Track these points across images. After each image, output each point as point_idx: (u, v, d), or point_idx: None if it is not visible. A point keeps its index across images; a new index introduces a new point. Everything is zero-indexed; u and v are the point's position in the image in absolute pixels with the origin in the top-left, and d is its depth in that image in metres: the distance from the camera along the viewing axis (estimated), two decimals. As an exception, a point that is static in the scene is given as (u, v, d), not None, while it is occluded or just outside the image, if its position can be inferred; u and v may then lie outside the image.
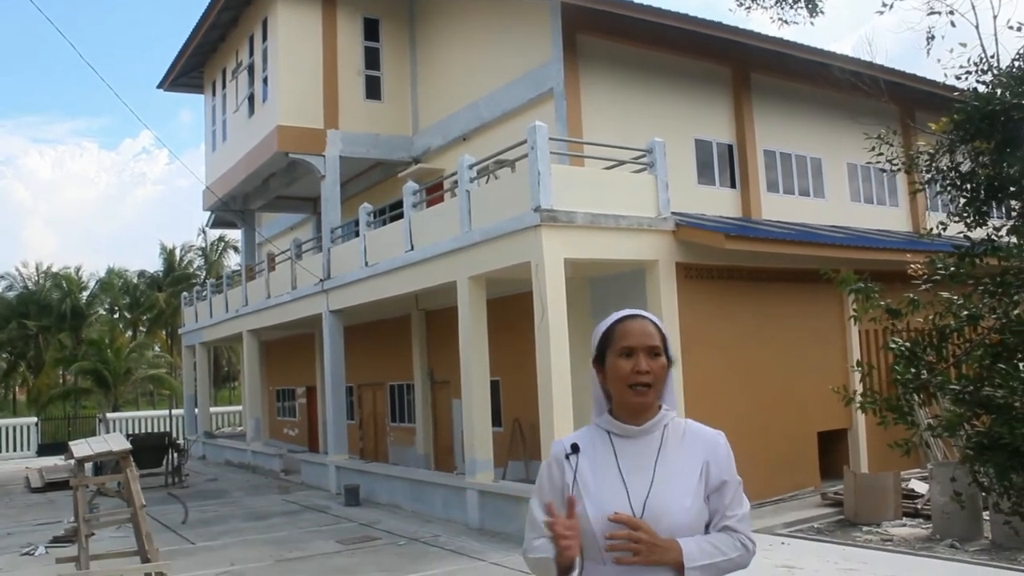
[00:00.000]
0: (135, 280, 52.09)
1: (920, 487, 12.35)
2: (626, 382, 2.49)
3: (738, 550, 2.46)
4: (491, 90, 16.80)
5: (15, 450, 31.14)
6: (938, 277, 4.74)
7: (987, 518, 10.18)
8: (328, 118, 19.08)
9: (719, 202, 16.24)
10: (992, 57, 4.45)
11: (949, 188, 4.68)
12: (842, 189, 18.59)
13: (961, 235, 4.72)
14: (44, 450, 29.82)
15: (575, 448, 2.56)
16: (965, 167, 4.59)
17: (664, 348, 2.55)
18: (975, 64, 4.58)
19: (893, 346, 4.52)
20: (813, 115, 17.85)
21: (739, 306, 13.53)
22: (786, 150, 17.62)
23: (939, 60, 4.56)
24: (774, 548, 10.07)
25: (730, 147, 16.78)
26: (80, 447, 9.57)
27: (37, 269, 51.23)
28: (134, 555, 9.58)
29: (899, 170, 4.91)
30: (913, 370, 4.43)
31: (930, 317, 4.69)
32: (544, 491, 2.59)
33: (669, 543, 2.37)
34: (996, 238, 4.63)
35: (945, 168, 4.62)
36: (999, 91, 4.33)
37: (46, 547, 12.48)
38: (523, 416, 14.71)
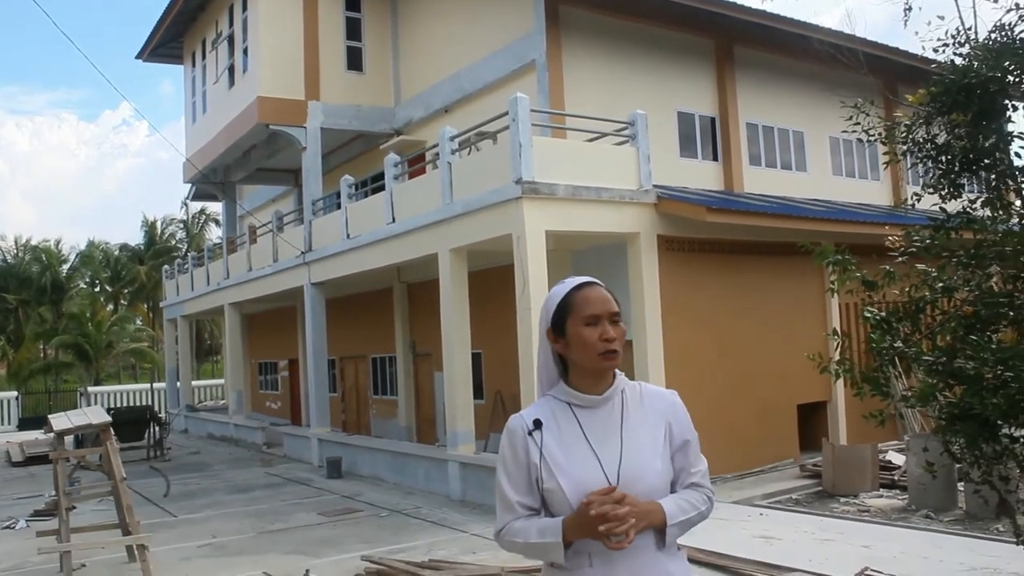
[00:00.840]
0: (116, 253, 51.73)
1: (897, 459, 12.49)
2: (596, 350, 2.46)
3: (705, 503, 2.54)
4: (473, 61, 16.70)
5: (-4, 424, 31.06)
6: (914, 249, 4.76)
7: (961, 489, 10.32)
8: (309, 89, 18.92)
9: (701, 175, 16.24)
10: (969, 29, 4.46)
11: (925, 160, 4.70)
12: (824, 163, 18.63)
13: (937, 207, 4.74)
14: (25, 424, 29.74)
15: (537, 424, 2.49)
16: (941, 139, 4.61)
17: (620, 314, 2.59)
18: (952, 37, 4.59)
19: (868, 315, 4.55)
20: (796, 88, 17.84)
21: (720, 279, 13.58)
22: (769, 123, 17.62)
23: (916, 32, 4.60)
24: (752, 519, 10.18)
25: (713, 120, 16.76)
26: (59, 420, 9.53)
27: (16, 242, 50.78)
28: (115, 528, 9.58)
29: (875, 140, 4.92)
30: (888, 339, 4.47)
31: (906, 289, 4.72)
32: (510, 469, 2.52)
33: (652, 506, 2.40)
34: (971, 211, 4.66)
35: (921, 140, 4.64)
36: (976, 64, 4.34)
37: (27, 520, 12.47)
38: (505, 388, 14.75)
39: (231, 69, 20.94)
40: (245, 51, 19.82)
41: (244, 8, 19.78)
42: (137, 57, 25.30)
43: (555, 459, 2.45)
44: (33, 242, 50.43)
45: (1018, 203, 4.78)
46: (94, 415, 9.74)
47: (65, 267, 49.62)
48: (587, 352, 2.48)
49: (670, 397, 2.61)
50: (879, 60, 16.75)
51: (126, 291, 51.09)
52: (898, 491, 11.56)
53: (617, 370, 2.57)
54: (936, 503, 10.32)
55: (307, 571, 8.57)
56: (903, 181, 19.34)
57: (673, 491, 2.51)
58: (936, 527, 9.59)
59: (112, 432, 9.45)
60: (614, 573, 2.38)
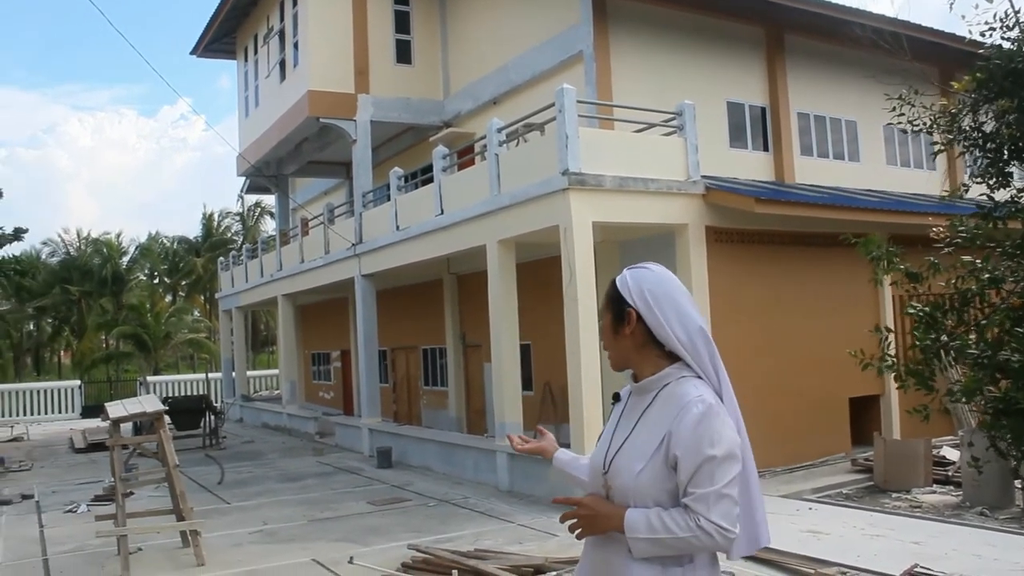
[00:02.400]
0: (174, 245, 52.73)
1: (952, 454, 12.26)
2: None
3: (690, 530, 2.29)
4: (521, 53, 16.69)
5: (60, 412, 31.91)
6: (959, 240, 4.66)
7: (1019, 486, 10.10)
8: (359, 83, 19.07)
9: (751, 166, 16.06)
10: (1018, 13, 4.34)
11: (971, 148, 4.59)
12: (878, 152, 18.29)
13: (985, 196, 4.64)
14: (87, 412, 30.51)
15: (615, 397, 2.71)
16: (988, 127, 4.50)
17: (614, 306, 2.57)
18: (1000, 20, 4.47)
19: (912, 310, 4.47)
20: (849, 77, 17.50)
21: (770, 270, 13.42)
22: (821, 113, 17.34)
23: (963, 16, 4.45)
24: (801, 513, 10.07)
25: (763, 110, 16.55)
26: (115, 408, 9.76)
27: (78, 235, 52.13)
28: (170, 513, 9.80)
29: (920, 131, 4.82)
30: (932, 334, 4.38)
31: (951, 281, 4.62)
32: None
33: (614, 512, 2.41)
34: (1019, 200, 4.54)
35: (967, 128, 4.53)
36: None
37: (87, 505, 12.80)
38: (554, 380, 14.76)
39: (282, 63, 21.19)
40: (295, 45, 20.04)
41: (294, 3, 19.99)
42: (191, 53, 25.70)
43: (603, 432, 2.68)
44: (94, 235, 51.73)
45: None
46: (148, 404, 9.96)
47: (125, 259, 50.77)
48: None
49: (684, 406, 2.39)
50: (935, 47, 16.42)
51: (184, 283, 52.10)
52: (952, 487, 11.35)
53: (679, 364, 2.50)
54: (991, 500, 10.11)
55: (351, 558, 8.69)
56: (961, 171, 18.89)
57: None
58: (991, 525, 9.38)
59: (166, 420, 9.67)
60: (594, 559, 2.55)
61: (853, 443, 14.09)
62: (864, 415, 14.58)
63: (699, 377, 2.49)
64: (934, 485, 11.51)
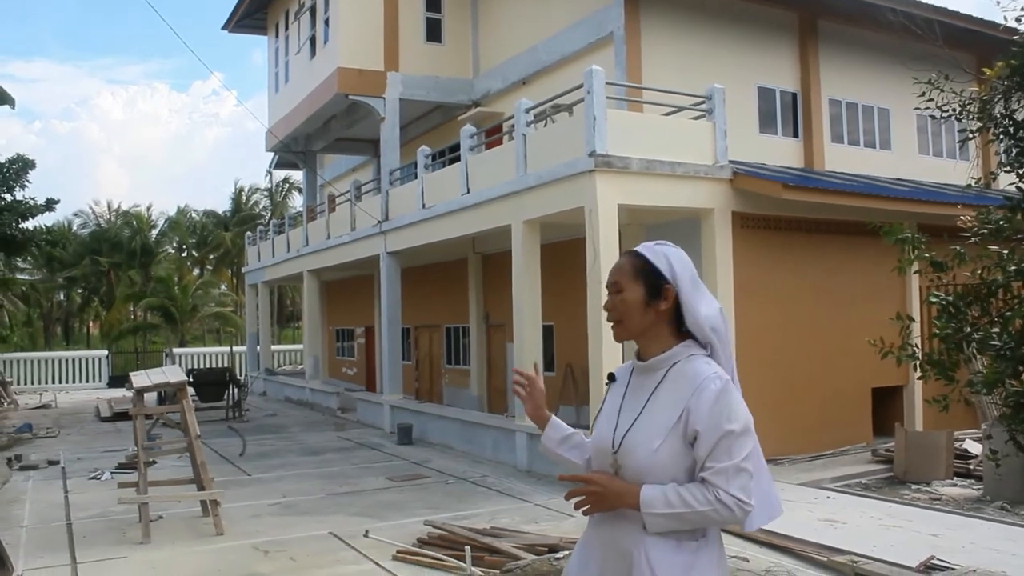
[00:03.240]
0: (203, 219, 53.10)
1: (974, 447, 12.15)
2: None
3: (709, 504, 2.32)
4: (551, 34, 16.62)
5: (87, 381, 32.39)
6: (986, 231, 4.60)
7: (1041, 480, 9.98)
8: (388, 60, 19.07)
9: (781, 152, 15.91)
10: (1054, 0, 4.27)
11: (1002, 136, 4.52)
12: (910, 141, 18.06)
13: (1014, 187, 4.57)
14: (114, 382, 30.94)
15: (611, 377, 2.71)
16: (1020, 115, 4.43)
17: (646, 279, 2.53)
18: (1035, 5, 4.40)
19: (934, 300, 4.42)
20: (882, 64, 17.27)
21: (796, 258, 13.33)
22: (853, 100, 17.15)
23: (998, 2, 4.37)
24: (819, 502, 10.03)
25: (794, 96, 16.38)
26: (139, 378, 9.88)
27: (109, 207, 52.60)
28: (191, 483, 9.91)
29: (949, 116, 4.75)
30: (954, 324, 4.34)
31: (977, 271, 4.57)
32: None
33: (627, 489, 2.40)
34: (1049, 192, 4.48)
35: (998, 116, 4.46)
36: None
37: (111, 472, 12.99)
38: (575, 361, 14.76)
39: (312, 40, 21.22)
40: (326, 22, 20.05)
41: (327, -21, 19.99)
42: (223, 28, 25.78)
43: (602, 412, 2.65)
44: (125, 207, 52.17)
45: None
46: (172, 374, 10.07)
47: (154, 232, 51.21)
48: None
49: (700, 382, 2.41)
50: (970, 34, 16.16)
51: (211, 256, 52.50)
52: (973, 481, 11.25)
53: (691, 342, 2.53)
54: (1013, 494, 10.01)
55: (367, 531, 8.76)
56: (992, 160, 18.62)
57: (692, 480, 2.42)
58: (1011, 519, 9.30)
59: (189, 391, 9.77)
60: (603, 537, 2.53)
61: (874, 433, 14.01)
62: (886, 406, 14.47)
63: (708, 356, 2.52)
64: (955, 478, 11.41)
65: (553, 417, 2.84)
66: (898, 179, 16.75)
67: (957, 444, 12.08)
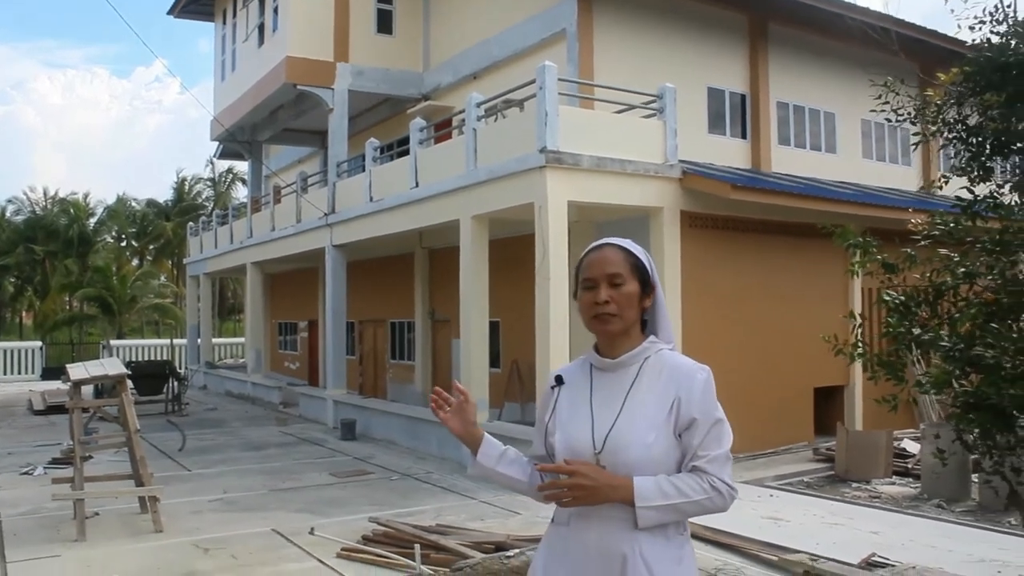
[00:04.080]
0: (143, 208, 52.08)
1: (912, 447, 12.40)
2: (588, 314, 2.49)
3: (705, 492, 2.33)
4: (503, 28, 16.55)
5: (20, 373, 31.51)
6: (937, 233, 4.65)
7: (975, 480, 10.22)
8: (338, 51, 18.84)
9: (729, 153, 16.06)
10: (1008, 7, 4.32)
11: (955, 141, 4.58)
12: (855, 145, 18.37)
13: (964, 190, 4.63)
14: (48, 374, 30.13)
15: (559, 380, 2.58)
16: (973, 120, 4.49)
17: (640, 275, 2.49)
18: (990, 14, 4.46)
19: (887, 299, 4.46)
20: (829, 68, 17.55)
21: (742, 257, 13.45)
22: (800, 103, 17.37)
23: (952, 10, 4.43)
24: (762, 500, 10.13)
25: (743, 97, 16.55)
26: (76, 370, 9.59)
27: (45, 194, 51.35)
28: (129, 478, 9.67)
29: (904, 120, 4.80)
30: (906, 323, 4.38)
31: (926, 274, 4.62)
32: (537, 420, 2.67)
33: (619, 481, 2.31)
34: (998, 196, 4.54)
35: (952, 120, 4.52)
36: (1014, 42, 4.21)
37: (44, 468, 12.62)
38: (521, 358, 14.74)
39: (261, 28, 20.88)
40: (275, 10, 19.74)
41: (276, -34, 19.68)
42: (169, 12, 25.26)
43: (561, 416, 2.52)
44: (62, 194, 50.92)
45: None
46: (111, 366, 9.79)
47: (92, 220, 50.06)
48: (583, 316, 2.52)
49: (690, 371, 2.44)
50: (917, 43, 16.45)
51: (152, 247, 51.52)
52: (911, 479, 11.48)
53: (654, 337, 2.52)
54: (949, 493, 10.24)
55: (312, 529, 8.62)
56: (937, 166, 19.05)
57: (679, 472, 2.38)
58: (947, 517, 9.51)
59: (128, 384, 9.52)
60: (583, 537, 2.41)
61: (816, 433, 14.22)
62: (828, 405, 14.70)
63: (672, 349, 2.53)
64: (894, 476, 11.64)
65: (486, 434, 2.67)
66: (843, 182, 17.01)
67: (896, 444, 12.32)
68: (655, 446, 2.36)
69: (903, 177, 18.96)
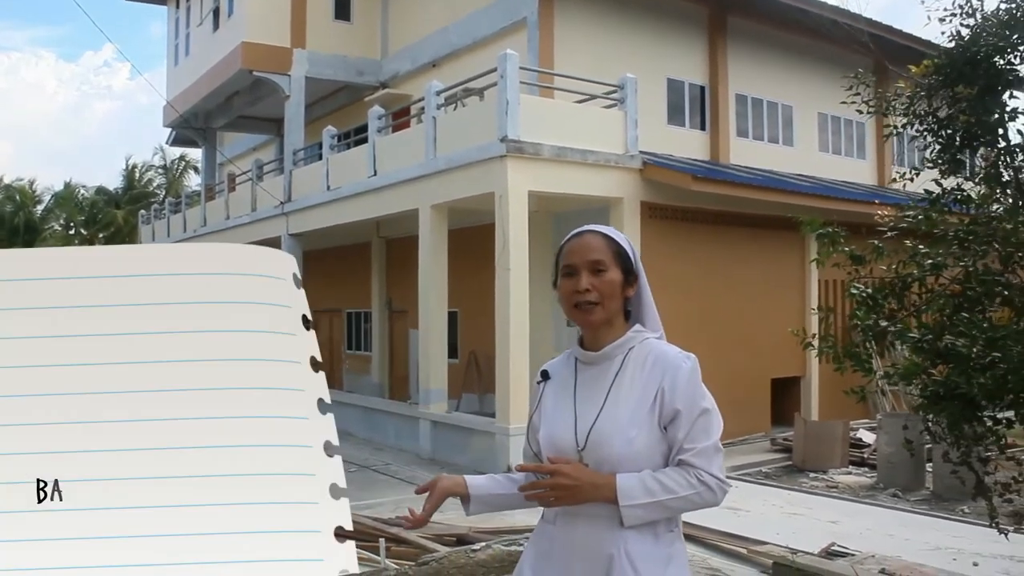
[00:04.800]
0: (92, 196, 51.06)
1: (868, 437, 12.54)
2: (568, 303, 2.37)
3: (692, 487, 2.21)
4: (463, 16, 16.42)
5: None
6: (904, 225, 4.67)
7: (930, 469, 10.38)
8: (295, 37, 18.58)
9: (688, 144, 16.09)
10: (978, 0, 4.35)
11: (925, 133, 4.59)
12: (811, 138, 18.53)
13: (933, 181, 4.64)
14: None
15: (544, 375, 2.49)
16: (943, 113, 4.51)
17: (622, 263, 2.38)
18: (960, 7, 4.47)
19: (855, 291, 4.46)
20: (788, 62, 17.66)
21: (702, 249, 13.50)
22: (758, 95, 17.47)
23: (923, 1, 4.43)
24: (721, 490, 10.17)
25: (702, 89, 16.59)
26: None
27: (-11, 180, 50.02)
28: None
29: (875, 113, 4.81)
30: (874, 316, 4.38)
31: (893, 266, 4.63)
32: (528, 419, 2.57)
33: (602, 480, 2.21)
34: (965, 190, 4.57)
35: (922, 113, 4.53)
36: (984, 36, 4.23)
37: None
38: (479, 348, 14.67)
39: (216, 12, 20.52)
40: (231, -6, 19.41)
41: (231, -51, 19.34)
42: (119, -6, 24.72)
43: (545, 411, 2.42)
44: (6, 181, 49.72)
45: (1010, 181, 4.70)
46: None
47: (39, 208, 48.96)
48: (563, 305, 2.41)
49: (674, 360, 2.31)
50: (873, 38, 16.59)
51: (102, 235, 50.47)
52: (867, 469, 11.61)
53: (639, 326, 2.42)
54: (904, 482, 10.37)
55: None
56: (891, 161, 19.31)
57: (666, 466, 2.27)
58: (903, 506, 9.64)
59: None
60: (570, 536, 2.31)
61: (773, 423, 14.34)
62: (785, 396, 14.84)
63: (659, 338, 2.44)
64: (850, 466, 11.77)
65: (466, 477, 2.48)
66: (800, 175, 17.16)
67: (852, 434, 12.46)
68: (638, 440, 2.25)
69: (858, 170, 19.19)
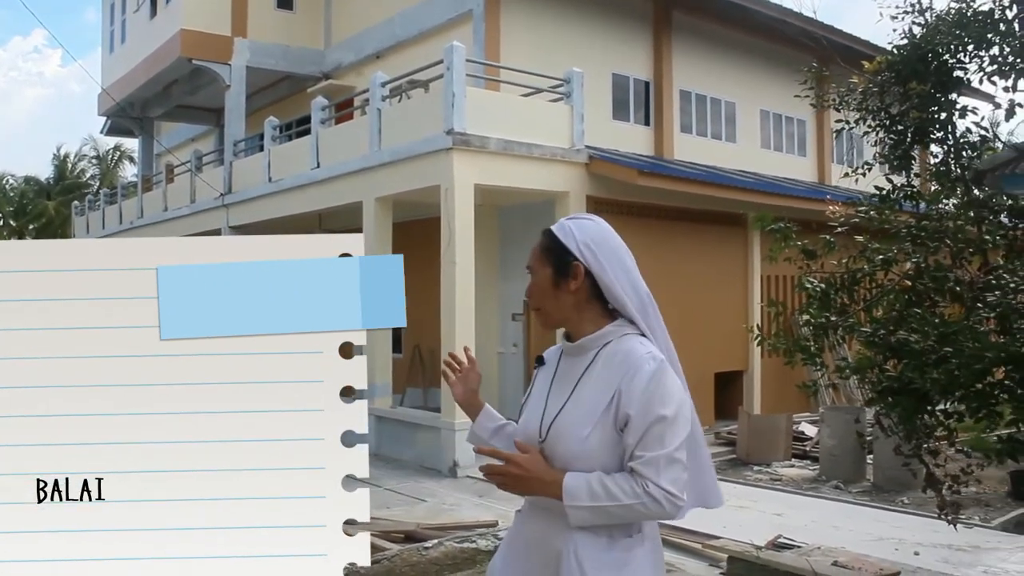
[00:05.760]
0: (21, 186, 49.68)
1: (810, 430, 12.73)
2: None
3: (636, 497, 2.09)
4: (408, 7, 16.24)
5: None
6: (856, 220, 4.71)
7: (870, 461, 10.56)
8: (236, 25, 18.21)
9: (633, 139, 16.15)
10: (928, -1, 4.41)
11: (877, 129, 4.64)
12: (753, 135, 18.73)
13: (884, 177, 4.69)
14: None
15: (540, 360, 2.49)
16: (895, 109, 4.56)
17: (553, 257, 2.33)
18: (912, 5, 4.52)
19: (808, 286, 4.48)
20: (731, 59, 17.82)
21: (646, 243, 13.50)
22: (702, 92, 17.60)
23: (876, -2, 4.48)
24: (667, 483, 10.24)
25: (647, 84, 16.66)
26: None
27: (-87, 168, 48.39)
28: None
29: (829, 107, 4.85)
30: (826, 313, 4.41)
31: (843, 261, 4.67)
32: None
33: (551, 476, 2.16)
34: (915, 186, 4.63)
35: (875, 109, 4.58)
36: (937, 35, 4.28)
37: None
38: (424, 343, 14.55)
39: (153, -2, 20.04)
40: (169, -20, 18.96)
41: (169, -66, 18.89)
42: (52, -21, 24.01)
43: (530, 396, 2.44)
44: (-69, 169, 48.15)
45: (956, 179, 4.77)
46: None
47: (-35, 197, 47.52)
48: None
49: (637, 361, 2.21)
50: (813, 37, 16.83)
51: (32, 226, 49.12)
52: (809, 461, 11.78)
53: (623, 321, 2.34)
54: (846, 474, 10.54)
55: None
56: (829, 159, 19.64)
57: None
58: (845, 498, 9.79)
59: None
60: (531, 527, 2.33)
61: (716, 417, 14.48)
62: (728, 390, 14.99)
63: (643, 335, 2.33)
64: (793, 459, 11.93)
65: (486, 405, 2.56)
66: (742, 171, 17.33)
67: (794, 427, 12.64)
68: (591, 439, 2.18)
69: (799, 167, 19.46)
